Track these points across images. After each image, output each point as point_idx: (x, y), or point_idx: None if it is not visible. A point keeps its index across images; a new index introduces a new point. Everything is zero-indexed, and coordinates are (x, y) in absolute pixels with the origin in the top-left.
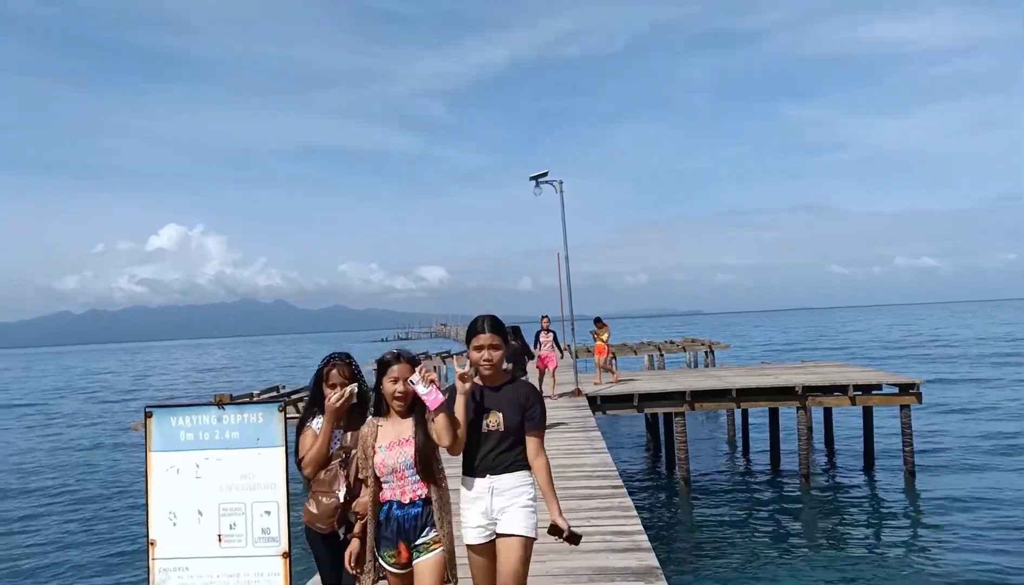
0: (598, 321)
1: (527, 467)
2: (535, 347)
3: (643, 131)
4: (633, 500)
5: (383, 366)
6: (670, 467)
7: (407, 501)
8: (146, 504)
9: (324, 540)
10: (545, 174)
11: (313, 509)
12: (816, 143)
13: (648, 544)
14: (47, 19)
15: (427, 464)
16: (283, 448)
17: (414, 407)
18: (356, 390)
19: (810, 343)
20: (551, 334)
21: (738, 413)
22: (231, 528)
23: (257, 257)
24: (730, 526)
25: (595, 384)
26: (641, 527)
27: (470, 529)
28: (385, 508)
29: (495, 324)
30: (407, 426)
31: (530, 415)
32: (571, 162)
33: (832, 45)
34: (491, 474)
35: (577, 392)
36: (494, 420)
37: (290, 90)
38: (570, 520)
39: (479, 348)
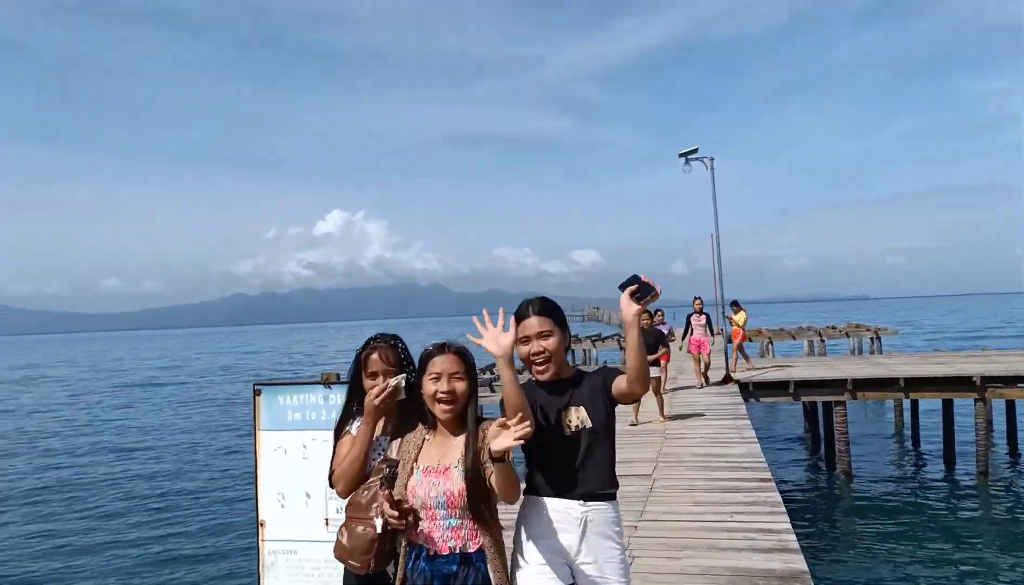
0: (735, 304)
1: (616, 487)
2: (686, 331)
3: (807, 110)
4: (787, 495)
5: (423, 361)
6: (829, 460)
7: (435, 552)
8: (255, 484)
9: (360, 583)
10: (695, 151)
11: (344, 541)
12: (997, 118)
13: (796, 545)
14: (223, 21)
15: (474, 506)
16: None
17: (467, 418)
18: (404, 382)
19: (990, 330)
20: (704, 317)
21: (907, 404)
22: (337, 512)
23: (415, 242)
24: (894, 527)
25: (732, 371)
26: (789, 525)
27: (534, 574)
28: (412, 554)
29: (544, 306)
30: (454, 448)
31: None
32: (730, 143)
33: (1016, 10)
34: (586, 500)
35: (727, 378)
36: (576, 417)
37: (447, 81)
38: (714, 517)
39: (526, 340)
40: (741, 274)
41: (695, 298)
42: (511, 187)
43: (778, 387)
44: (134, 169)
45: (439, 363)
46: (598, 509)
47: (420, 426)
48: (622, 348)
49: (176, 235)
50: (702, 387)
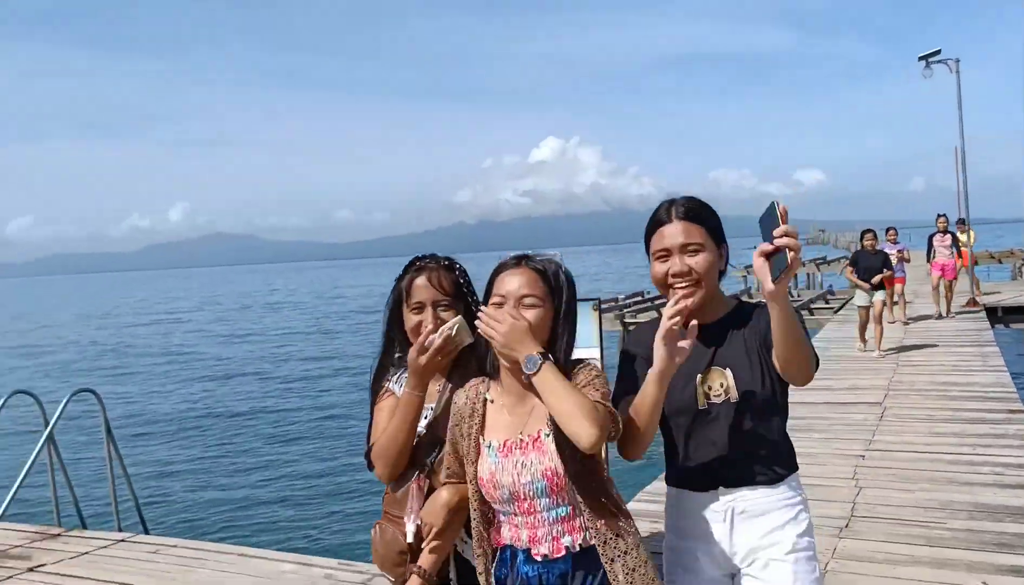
0: (960, 223)
1: (790, 469)
2: (930, 253)
3: None
4: None
5: (490, 280)
6: None
7: (541, 556)
8: None
9: None
10: (937, 52)
11: (377, 544)
12: None
13: None
14: None
15: (586, 487)
16: (598, 348)
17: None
18: (461, 328)
19: None
20: (948, 237)
21: None
22: None
23: (629, 166)
24: None
25: (976, 295)
26: None
27: None
28: (502, 558)
29: (692, 208)
30: (539, 408)
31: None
32: (979, 45)
33: None
34: (727, 487)
35: (973, 302)
36: (718, 384)
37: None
38: (954, 448)
39: (664, 254)
40: (989, 190)
41: (939, 216)
42: (729, 107)
43: None
44: (358, 106)
45: (507, 282)
46: (752, 498)
47: (474, 383)
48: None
49: (399, 168)
50: (940, 317)
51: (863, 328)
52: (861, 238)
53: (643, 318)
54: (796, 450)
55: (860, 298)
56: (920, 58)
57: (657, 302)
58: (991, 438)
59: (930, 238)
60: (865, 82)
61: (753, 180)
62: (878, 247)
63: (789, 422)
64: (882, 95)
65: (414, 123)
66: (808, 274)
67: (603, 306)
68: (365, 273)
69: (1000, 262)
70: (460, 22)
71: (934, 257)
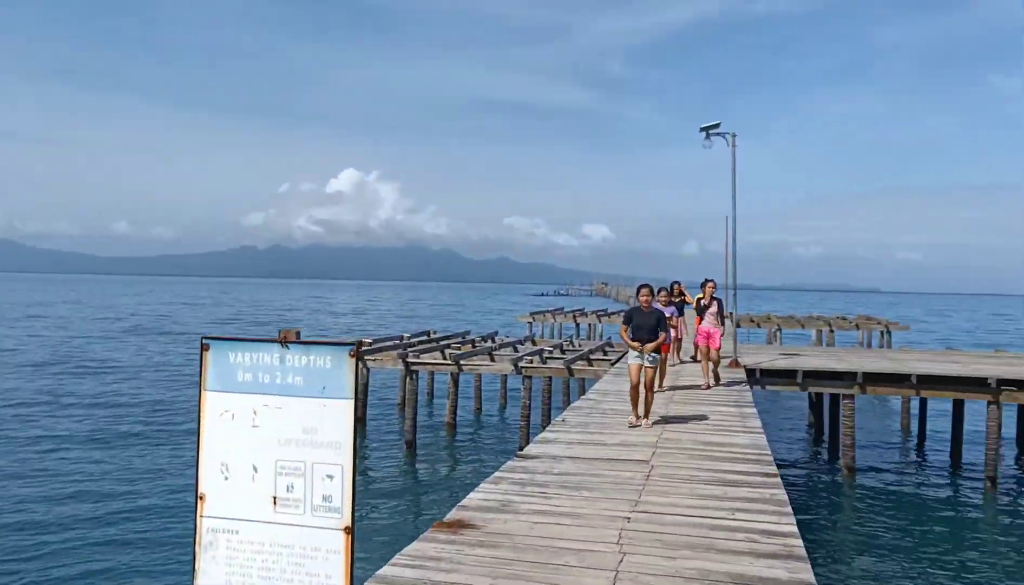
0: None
1: None
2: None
3: (833, 99)
4: (787, 488)
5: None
6: (832, 454)
7: None
8: (197, 452)
9: None
10: (717, 126)
11: None
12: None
13: (803, 551)
14: None
15: None
16: (351, 401)
17: None
18: None
19: (1006, 332)
20: (716, 304)
21: (915, 402)
22: (288, 490)
23: (427, 205)
24: (897, 530)
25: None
26: (796, 528)
27: None
28: None
29: None
30: None
31: None
32: (755, 127)
33: None
34: None
35: (735, 363)
36: None
37: (472, 44)
38: (715, 512)
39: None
40: (752, 259)
41: (706, 281)
42: (525, 157)
43: (786, 375)
44: (147, 112)
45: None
46: None
47: None
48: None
49: (186, 184)
50: (708, 388)
51: (634, 396)
52: (637, 294)
53: (427, 358)
54: (565, 510)
55: (632, 357)
56: (701, 129)
57: (442, 343)
58: (748, 502)
59: (698, 301)
60: (656, 148)
61: (545, 229)
62: (654, 305)
63: (562, 479)
64: (670, 162)
65: (208, 138)
66: (590, 324)
67: (388, 344)
68: (136, 291)
69: (759, 326)
70: (270, 39)
71: (700, 322)
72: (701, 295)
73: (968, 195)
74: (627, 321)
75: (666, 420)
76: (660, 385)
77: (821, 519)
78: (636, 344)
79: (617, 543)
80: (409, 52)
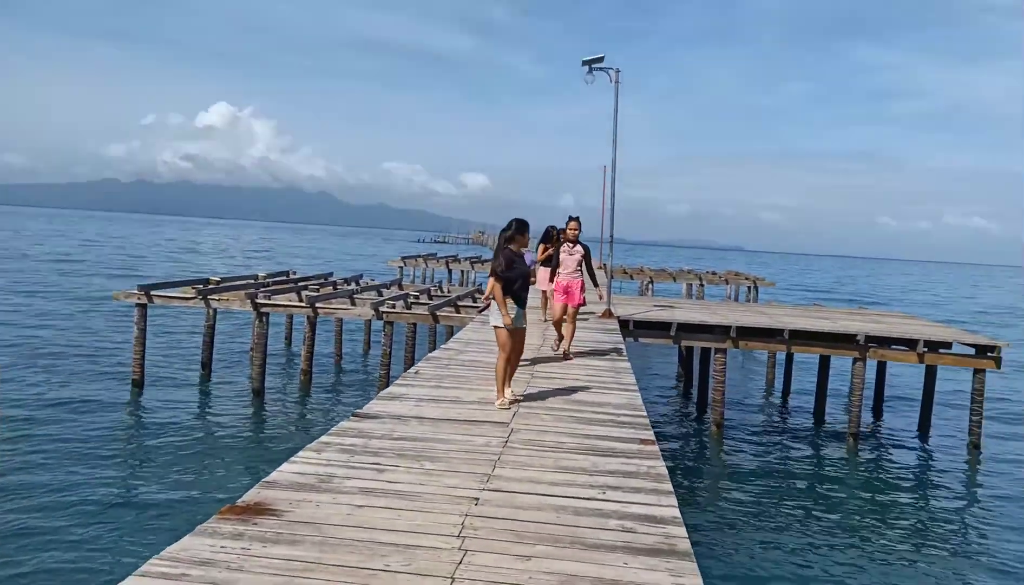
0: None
1: None
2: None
3: (706, 60)
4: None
5: None
6: (701, 408)
7: None
8: None
9: None
10: (601, 59)
11: None
12: (889, 89)
13: (688, 543)
14: None
15: None
16: None
17: None
18: None
19: (857, 292)
20: (579, 249)
21: (780, 357)
22: None
23: (302, 145)
24: (764, 483)
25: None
26: (678, 512)
27: None
28: None
29: None
30: None
31: None
32: (630, 85)
33: None
34: None
35: (608, 313)
36: None
37: None
38: (582, 491)
39: None
40: (623, 213)
41: (570, 219)
42: (406, 101)
43: (660, 328)
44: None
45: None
46: None
47: None
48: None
49: (40, 108)
50: (567, 358)
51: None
52: (512, 232)
53: (279, 300)
54: (399, 488)
55: (499, 317)
56: (584, 62)
57: (300, 284)
58: (622, 477)
59: (549, 244)
60: (536, 98)
61: (424, 176)
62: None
63: (402, 446)
64: (550, 113)
65: (65, 62)
66: (463, 272)
67: (240, 283)
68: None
69: (632, 278)
70: None
71: (557, 276)
72: (554, 237)
73: (828, 163)
74: (506, 269)
75: (533, 374)
76: (568, 347)
77: (691, 480)
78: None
79: (458, 536)
80: None
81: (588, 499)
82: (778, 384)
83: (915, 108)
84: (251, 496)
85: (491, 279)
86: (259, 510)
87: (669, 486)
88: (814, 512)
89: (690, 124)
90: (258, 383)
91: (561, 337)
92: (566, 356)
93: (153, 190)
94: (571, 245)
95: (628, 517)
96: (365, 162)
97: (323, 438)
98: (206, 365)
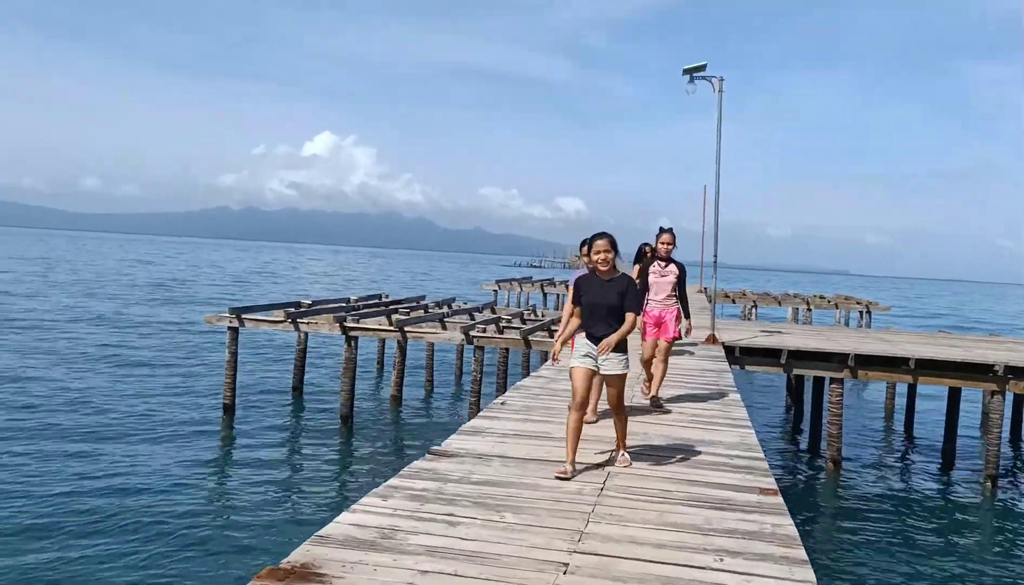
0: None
1: None
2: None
3: (808, 82)
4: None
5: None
6: (814, 444)
7: None
8: None
9: None
10: (703, 67)
11: None
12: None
13: None
14: None
15: None
16: None
17: None
18: None
19: (980, 318)
20: (673, 269)
21: (900, 387)
22: None
23: (402, 173)
24: (888, 530)
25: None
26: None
27: None
28: None
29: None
30: None
31: None
32: (726, 106)
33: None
34: None
35: (713, 339)
36: None
37: (454, 12)
38: (693, 557)
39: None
40: (722, 236)
41: (661, 230)
42: (503, 127)
43: (769, 354)
44: (116, 67)
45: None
46: None
47: None
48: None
49: (156, 141)
50: (655, 403)
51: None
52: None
53: (368, 323)
54: (472, 549)
55: (577, 354)
56: (685, 71)
57: (391, 307)
58: (742, 538)
59: (642, 266)
60: (632, 123)
61: (520, 200)
62: (622, 268)
63: (482, 492)
64: (646, 137)
65: (182, 95)
66: (558, 295)
67: (330, 307)
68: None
69: (734, 302)
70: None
71: (644, 303)
72: (646, 255)
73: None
74: (576, 296)
75: (630, 407)
76: (656, 391)
77: (807, 526)
78: (582, 339)
79: None
80: (386, 19)
81: (702, 568)
82: (898, 417)
83: None
84: (298, 556)
85: (567, 304)
86: (304, 574)
87: (802, 552)
88: (947, 567)
89: (791, 146)
90: (346, 409)
91: (650, 378)
92: (655, 403)
93: (261, 217)
94: (663, 264)
95: None
96: (462, 188)
97: (392, 480)
98: (297, 389)
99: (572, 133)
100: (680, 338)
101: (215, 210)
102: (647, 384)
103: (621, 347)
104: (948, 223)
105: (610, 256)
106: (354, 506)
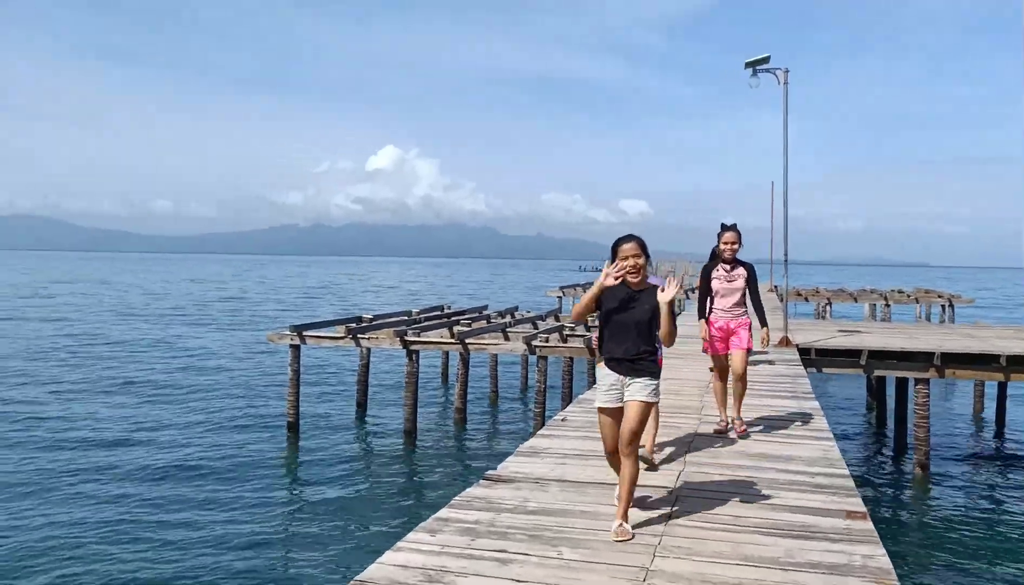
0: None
1: None
2: (704, 302)
3: (869, 68)
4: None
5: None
6: (899, 449)
7: None
8: None
9: None
10: (766, 60)
11: None
12: None
13: None
14: None
15: None
16: None
17: None
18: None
19: None
20: (741, 271)
21: (989, 386)
22: None
23: (465, 182)
24: (983, 541)
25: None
26: None
27: None
28: None
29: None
30: None
31: None
32: (780, 96)
33: None
34: None
35: (786, 341)
36: None
37: (512, 17)
38: None
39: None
40: (791, 233)
41: (724, 228)
42: (562, 132)
43: (847, 355)
44: (180, 88)
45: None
46: None
47: None
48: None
49: (222, 161)
50: (727, 430)
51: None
52: (613, 252)
53: (429, 336)
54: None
55: (601, 390)
56: (747, 64)
57: (453, 319)
58: (828, 574)
59: (706, 272)
60: (692, 120)
61: (583, 205)
62: (653, 278)
63: (537, 524)
64: (706, 135)
65: (243, 114)
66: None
67: (392, 320)
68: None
69: (807, 300)
70: (302, 12)
71: (709, 312)
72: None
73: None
74: (602, 314)
75: (702, 414)
76: (737, 416)
77: (894, 537)
78: (603, 370)
79: None
80: (443, 28)
81: None
82: (988, 417)
83: None
84: None
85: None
86: None
87: None
88: None
89: (853, 135)
90: (410, 424)
91: (724, 405)
92: (740, 430)
93: (329, 232)
94: (728, 268)
95: None
96: (524, 195)
97: (443, 512)
98: (361, 405)
99: (633, 136)
100: (754, 350)
101: (283, 227)
102: (723, 412)
103: (649, 369)
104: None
105: (640, 262)
106: (400, 543)
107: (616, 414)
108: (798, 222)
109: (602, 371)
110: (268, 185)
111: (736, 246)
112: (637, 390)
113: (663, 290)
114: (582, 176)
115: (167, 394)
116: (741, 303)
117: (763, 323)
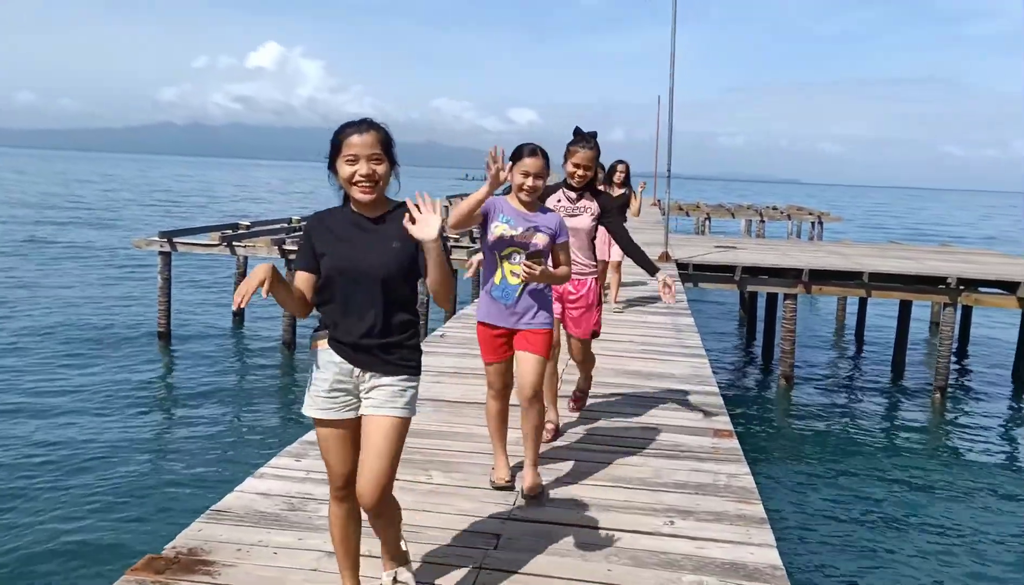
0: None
1: None
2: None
3: None
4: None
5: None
6: (766, 360)
7: None
8: None
9: None
10: None
11: None
12: (962, 11)
13: None
14: None
15: None
16: None
17: None
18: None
19: (932, 228)
20: (586, 205)
21: (850, 302)
22: None
23: (352, 85)
24: (840, 445)
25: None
26: (778, 558)
27: None
28: None
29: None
30: None
31: None
32: (685, 16)
33: None
34: None
35: (665, 256)
36: None
37: None
38: (636, 514)
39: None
40: (678, 147)
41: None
42: (456, 39)
43: (722, 271)
44: None
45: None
46: None
47: None
48: None
49: (93, 53)
50: (553, 435)
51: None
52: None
53: None
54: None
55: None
56: None
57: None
58: (694, 493)
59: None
60: (588, 33)
61: (472, 113)
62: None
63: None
64: (604, 46)
65: (115, 3)
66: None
67: (271, 227)
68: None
69: (688, 215)
70: None
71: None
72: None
73: (887, 89)
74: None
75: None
76: (588, 377)
77: (756, 441)
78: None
79: (478, 566)
80: None
81: (650, 534)
82: (849, 331)
83: (989, 30)
84: (186, 538)
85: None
86: (188, 564)
87: (761, 509)
88: (898, 479)
89: (748, 54)
90: (288, 335)
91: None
92: (554, 431)
93: (207, 132)
94: (574, 198)
95: (707, 567)
96: (414, 100)
97: (310, 434)
98: (237, 314)
99: (525, 42)
100: (599, 333)
101: (158, 125)
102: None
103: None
104: (901, 131)
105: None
106: (263, 469)
107: (345, 431)
108: (688, 137)
109: (324, 356)
110: (142, 80)
111: (589, 173)
112: (385, 399)
113: (412, 220)
114: (475, 85)
115: (20, 305)
116: (589, 254)
117: (650, 270)
